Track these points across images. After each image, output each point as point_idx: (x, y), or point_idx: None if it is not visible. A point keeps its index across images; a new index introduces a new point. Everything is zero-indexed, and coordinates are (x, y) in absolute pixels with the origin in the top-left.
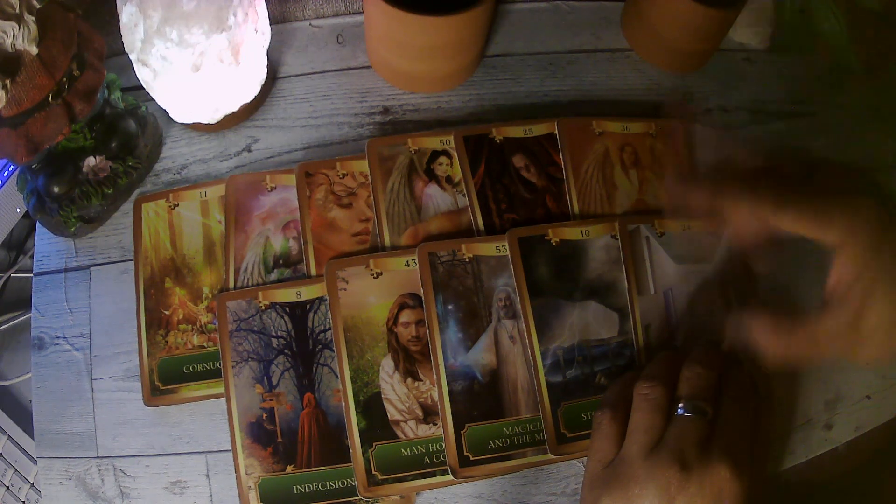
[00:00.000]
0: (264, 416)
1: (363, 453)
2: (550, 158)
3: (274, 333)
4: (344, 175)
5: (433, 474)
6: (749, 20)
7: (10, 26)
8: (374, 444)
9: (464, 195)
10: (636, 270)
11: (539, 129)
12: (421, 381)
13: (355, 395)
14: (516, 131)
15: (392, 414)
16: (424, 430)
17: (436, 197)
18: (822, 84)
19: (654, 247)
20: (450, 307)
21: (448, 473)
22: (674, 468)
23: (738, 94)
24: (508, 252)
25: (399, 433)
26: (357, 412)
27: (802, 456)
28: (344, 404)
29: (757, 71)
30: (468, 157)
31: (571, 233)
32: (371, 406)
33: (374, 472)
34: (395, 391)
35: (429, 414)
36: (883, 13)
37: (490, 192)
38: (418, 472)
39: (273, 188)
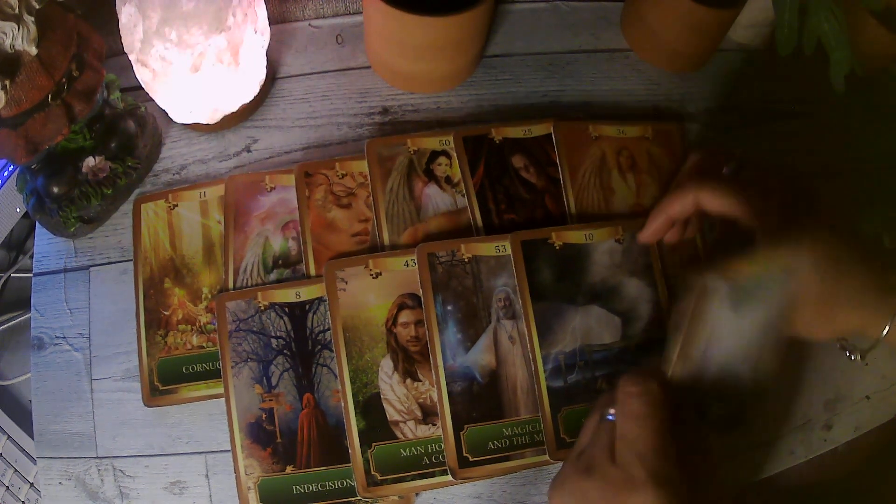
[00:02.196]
0: (264, 416)
1: (362, 454)
2: (550, 159)
3: (273, 334)
4: (343, 175)
5: (432, 475)
6: (749, 20)
7: (10, 27)
8: (374, 444)
9: (463, 195)
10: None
11: (538, 130)
12: (420, 381)
13: (354, 395)
14: (516, 132)
15: (391, 414)
16: (424, 431)
17: (435, 197)
18: (822, 84)
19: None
20: (449, 307)
21: (447, 474)
22: (580, 471)
23: (738, 94)
24: (511, 255)
25: (398, 434)
26: (356, 413)
27: (802, 456)
28: (343, 405)
29: (757, 71)
30: (467, 157)
31: (575, 236)
32: (370, 406)
33: (373, 473)
34: (394, 392)
35: (428, 414)
36: (883, 13)
37: (490, 193)
38: (417, 472)
39: (272, 188)
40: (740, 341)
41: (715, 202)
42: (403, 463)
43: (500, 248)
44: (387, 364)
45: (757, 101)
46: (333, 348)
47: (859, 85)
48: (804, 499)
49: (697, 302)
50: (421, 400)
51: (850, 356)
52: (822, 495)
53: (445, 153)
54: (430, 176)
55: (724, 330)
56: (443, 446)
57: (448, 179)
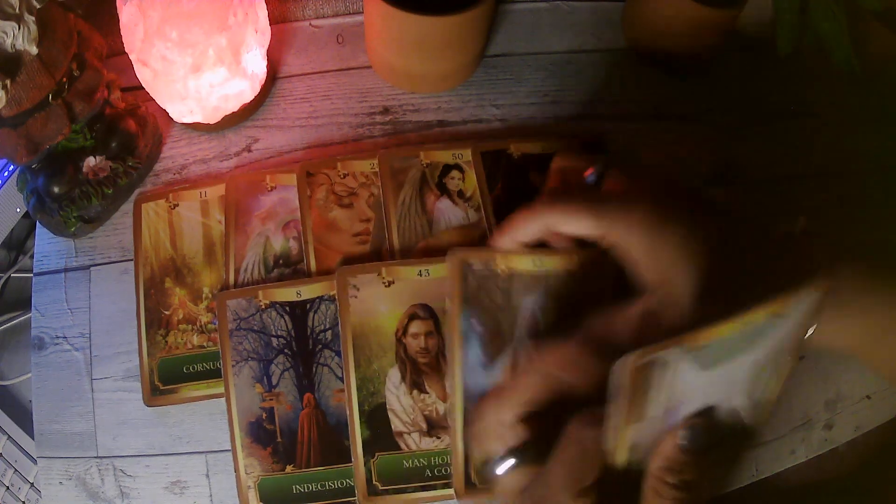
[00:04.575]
0: (264, 415)
1: (364, 463)
2: None
3: (274, 333)
4: (345, 175)
5: (434, 487)
6: (749, 20)
7: (11, 26)
8: (377, 454)
9: (475, 210)
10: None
11: (559, 146)
12: (427, 393)
13: (360, 404)
14: (534, 147)
15: (396, 425)
16: (428, 443)
17: (447, 211)
18: (822, 84)
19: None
20: (473, 321)
21: (449, 487)
22: None
23: (739, 94)
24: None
25: (402, 445)
26: (361, 421)
27: (803, 456)
28: (348, 412)
29: (757, 71)
30: (485, 172)
31: None
32: (375, 416)
33: (374, 482)
34: (400, 402)
35: (433, 427)
36: (883, 13)
37: (507, 210)
38: (419, 484)
39: (273, 188)
40: (719, 389)
41: (569, 224)
42: (405, 474)
43: (535, 262)
44: (394, 374)
45: (757, 100)
46: (342, 354)
47: (859, 85)
48: (804, 499)
49: (647, 375)
50: (427, 412)
51: None
52: (822, 495)
53: (458, 167)
54: (443, 190)
55: (694, 387)
56: (446, 459)
57: (461, 193)
